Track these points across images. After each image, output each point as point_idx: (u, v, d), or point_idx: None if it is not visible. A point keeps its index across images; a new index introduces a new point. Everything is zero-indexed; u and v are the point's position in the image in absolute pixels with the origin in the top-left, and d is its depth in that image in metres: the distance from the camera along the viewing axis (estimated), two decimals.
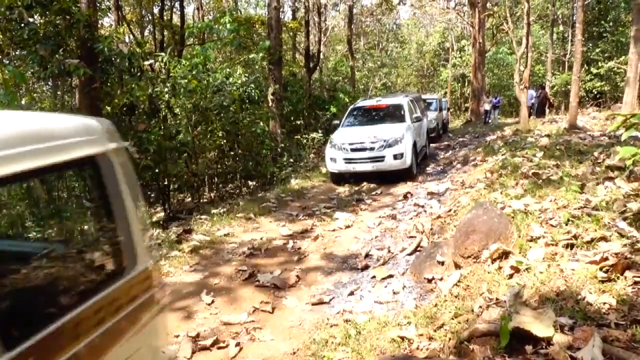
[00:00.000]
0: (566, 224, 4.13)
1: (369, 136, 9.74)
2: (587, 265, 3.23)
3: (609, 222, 3.93)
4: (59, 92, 8.80)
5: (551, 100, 21.99)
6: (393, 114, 10.95)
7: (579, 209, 4.47)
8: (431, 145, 15.08)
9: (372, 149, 9.52)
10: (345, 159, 9.79)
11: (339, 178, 10.36)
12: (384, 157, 9.41)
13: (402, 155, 9.40)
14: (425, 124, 12.96)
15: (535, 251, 3.70)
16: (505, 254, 3.83)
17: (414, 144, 10.08)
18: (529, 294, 3.08)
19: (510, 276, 3.51)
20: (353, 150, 9.70)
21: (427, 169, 11.47)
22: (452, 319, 3.26)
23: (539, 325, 2.50)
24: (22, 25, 6.93)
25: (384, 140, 9.47)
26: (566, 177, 6.03)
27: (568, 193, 5.09)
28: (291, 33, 25.24)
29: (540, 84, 24.70)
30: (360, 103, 12.22)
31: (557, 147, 8.68)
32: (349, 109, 12.02)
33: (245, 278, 5.13)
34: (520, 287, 3.14)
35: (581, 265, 3.26)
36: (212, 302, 4.57)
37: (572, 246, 3.67)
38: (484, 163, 9.41)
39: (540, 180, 6.11)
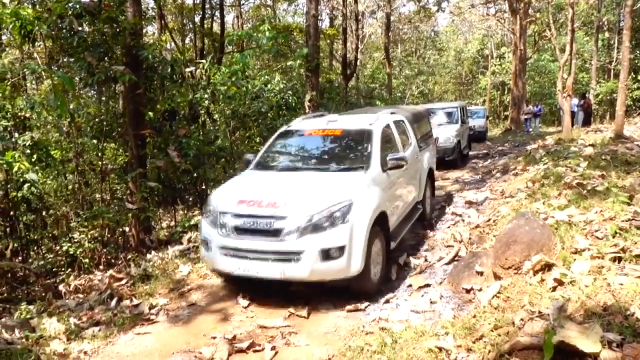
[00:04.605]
0: (613, 237, 3.98)
1: (278, 199, 4.47)
2: (636, 280, 3.11)
3: None
4: (103, 98, 9.10)
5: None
6: (349, 152, 5.69)
7: (627, 221, 4.30)
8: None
9: (277, 231, 4.29)
10: (222, 246, 4.52)
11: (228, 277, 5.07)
12: (299, 252, 4.18)
13: (341, 250, 4.20)
14: (427, 163, 7.44)
15: (580, 264, 3.58)
16: (548, 266, 3.72)
17: (382, 216, 4.83)
18: (574, 308, 2.98)
19: (554, 289, 3.41)
20: (239, 230, 4.45)
21: (465, 176, 11.25)
22: (492, 330, 3.18)
23: (585, 341, 2.41)
24: (72, 33, 7.24)
25: (306, 215, 4.27)
26: (613, 188, 5.79)
27: (615, 204, 4.91)
28: (328, 40, 25.41)
29: (583, 92, 23.95)
30: (297, 124, 6.35)
31: (603, 157, 8.35)
32: (277, 133, 6.30)
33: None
34: (565, 300, 3.04)
35: (630, 280, 3.13)
36: (248, 305, 4.62)
37: (619, 259, 3.54)
38: (525, 172, 9.18)
39: (585, 191, 5.90)
